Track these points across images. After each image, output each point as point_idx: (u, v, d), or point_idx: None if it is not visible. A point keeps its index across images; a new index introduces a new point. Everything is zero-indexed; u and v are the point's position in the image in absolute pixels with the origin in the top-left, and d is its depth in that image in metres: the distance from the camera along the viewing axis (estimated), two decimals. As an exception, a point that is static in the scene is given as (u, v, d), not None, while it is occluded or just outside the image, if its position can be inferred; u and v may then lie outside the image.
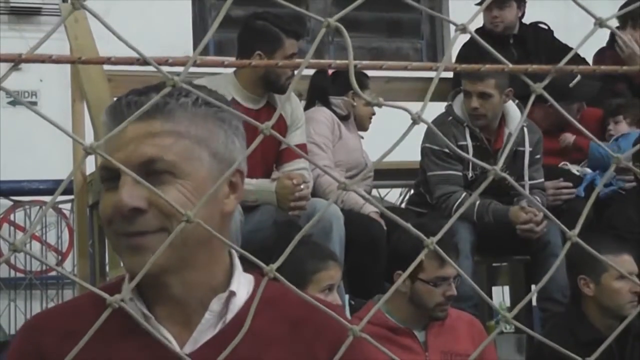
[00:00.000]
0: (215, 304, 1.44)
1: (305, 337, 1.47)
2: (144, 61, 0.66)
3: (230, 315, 1.44)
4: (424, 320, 3.53)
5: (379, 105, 0.74)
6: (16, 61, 0.64)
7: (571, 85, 4.95)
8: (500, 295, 6.55)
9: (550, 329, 4.00)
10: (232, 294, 1.45)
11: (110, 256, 4.29)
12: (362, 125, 4.92)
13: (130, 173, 0.88)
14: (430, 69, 0.73)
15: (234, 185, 1.48)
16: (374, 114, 4.95)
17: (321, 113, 4.63)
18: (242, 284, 1.48)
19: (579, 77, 4.98)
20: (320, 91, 4.77)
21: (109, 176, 1.40)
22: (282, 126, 4.22)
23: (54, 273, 7.71)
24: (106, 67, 4.35)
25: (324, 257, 3.28)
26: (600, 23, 0.68)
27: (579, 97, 5.08)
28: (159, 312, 1.44)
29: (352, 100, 4.80)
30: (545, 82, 0.69)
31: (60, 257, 7.71)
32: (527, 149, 4.60)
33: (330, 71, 4.81)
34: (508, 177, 0.81)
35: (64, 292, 7.52)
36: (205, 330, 1.44)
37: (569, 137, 5.06)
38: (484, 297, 0.75)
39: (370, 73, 4.64)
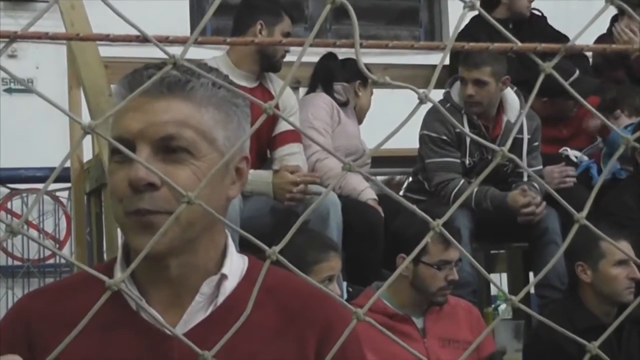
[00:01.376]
0: (206, 287, 1.44)
1: (297, 324, 1.47)
2: (143, 39, 0.65)
3: (221, 298, 1.44)
4: (423, 306, 3.52)
5: (386, 84, 0.73)
6: (12, 37, 0.62)
7: (568, 82, 4.92)
8: (498, 283, 6.54)
9: (548, 315, 3.99)
10: (224, 277, 1.44)
11: (107, 244, 4.27)
12: (360, 118, 4.88)
13: (129, 153, 0.86)
14: (437, 48, 0.71)
15: (240, 171, 1.48)
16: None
17: (320, 98, 4.60)
18: (235, 267, 1.48)
19: (577, 73, 4.95)
20: (326, 74, 4.74)
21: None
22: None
23: (51, 261, 7.70)
24: (103, 53, 4.34)
25: (325, 247, 3.26)
26: (611, 0, 0.67)
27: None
28: (151, 294, 1.44)
29: (357, 89, 4.78)
30: (555, 61, 0.68)
31: (57, 245, 7.70)
32: (526, 136, 4.60)
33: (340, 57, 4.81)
34: (515, 157, 0.80)
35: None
36: (196, 312, 1.43)
37: (596, 122, 4.95)
38: (490, 280, 0.74)
39: (368, 60, 4.60)
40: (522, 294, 0.77)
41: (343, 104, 4.68)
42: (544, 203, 4.41)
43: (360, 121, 4.88)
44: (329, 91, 4.67)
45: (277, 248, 0.72)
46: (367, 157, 1.00)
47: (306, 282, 1.51)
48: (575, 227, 0.77)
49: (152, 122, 1.36)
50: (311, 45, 0.64)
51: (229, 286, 1.45)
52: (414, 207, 0.77)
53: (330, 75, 4.72)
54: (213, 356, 0.78)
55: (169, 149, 1.37)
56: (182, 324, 1.42)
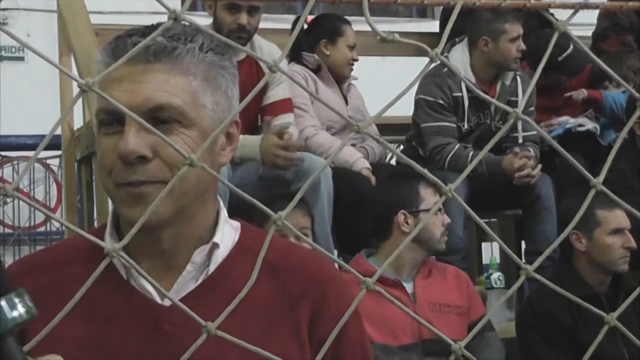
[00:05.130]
0: (197, 256, 1.41)
1: (290, 293, 1.44)
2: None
3: (212, 267, 1.42)
4: (418, 267, 3.54)
5: (393, 42, 0.70)
6: (5, -10, 0.60)
7: (560, 58, 4.93)
8: (490, 251, 6.55)
9: (541, 284, 3.99)
10: (215, 245, 1.42)
11: (98, 211, 4.26)
12: (340, 73, 4.68)
13: (137, 118, 0.84)
14: (447, 4, 0.69)
15: (230, 136, 1.45)
16: (355, 59, 4.70)
17: (292, 73, 4.48)
18: (227, 234, 1.45)
19: (570, 49, 4.93)
20: (293, 47, 4.61)
21: (110, 120, 1.35)
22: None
23: (42, 229, 7.70)
24: (94, 20, 4.31)
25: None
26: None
27: (567, 71, 5.04)
28: (141, 263, 1.40)
29: (324, 49, 4.62)
30: (570, 18, 0.66)
31: (48, 213, 7.69)
32: (521, 99, 4.60)
33: (305, 24, 4.70)
34: (529, 119, 0.78)
35: (52, 248, 7.49)
36: (187, 282, 1.41)
37: (582, 92, 4.98)
38: (503, 246, 0.72)
39: (361, 27, 4.56)
40: (537, 263, 0.75)
41: (316, 71, 4.58)
42: (540, 165, 4.41)
43: (345, 76, 4.70)
44: (300, 61, 4.58)
45: (284, 214, 0.70)
46: (372, 121, 0.97)
47: (300, 250, 1.50)
48: (591, 193, 0.75)
49: (139, 92, 1.32)
50: (317, 1, 0.61)
51: (220, 255, 1.43)
52: (425, 170, 0.76)
53: (297, 47, 4.59)
54: (204, 327, 0.77)
55: (158, 119, 1.33)
56: (172, 293, 1.39)
